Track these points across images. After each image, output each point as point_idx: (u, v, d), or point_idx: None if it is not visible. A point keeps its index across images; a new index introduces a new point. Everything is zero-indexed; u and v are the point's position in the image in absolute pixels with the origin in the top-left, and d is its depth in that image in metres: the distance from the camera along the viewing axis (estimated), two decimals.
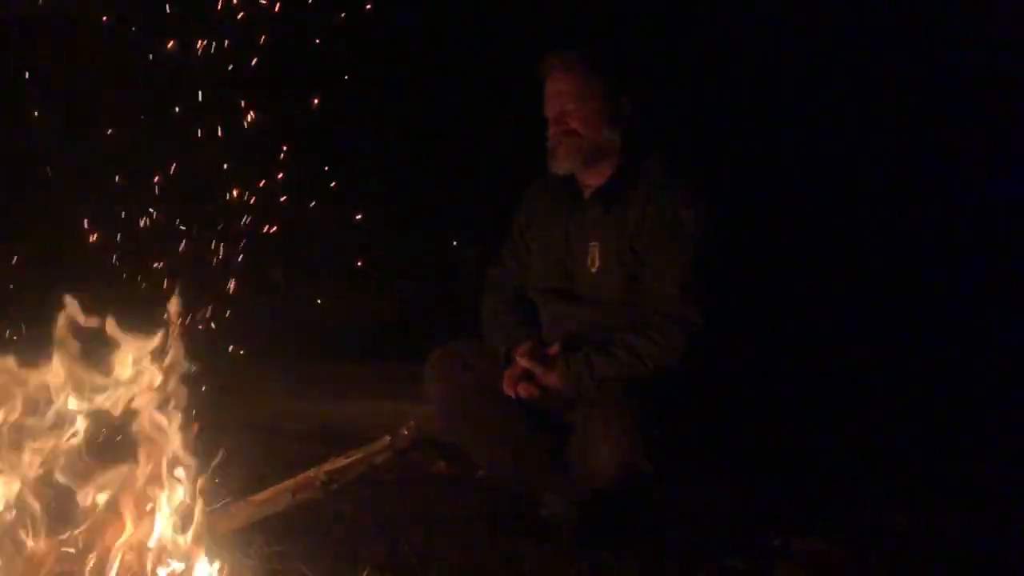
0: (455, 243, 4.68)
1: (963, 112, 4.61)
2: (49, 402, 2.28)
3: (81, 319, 2.23)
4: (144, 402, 2.30)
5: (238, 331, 4.12)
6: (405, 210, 4.82)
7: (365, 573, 2.67)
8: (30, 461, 2.26)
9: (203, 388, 2.44)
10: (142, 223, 4.13)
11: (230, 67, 4.31)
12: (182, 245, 4.08)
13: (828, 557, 2.97)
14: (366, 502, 3.16)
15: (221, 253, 4.27)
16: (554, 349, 3.18)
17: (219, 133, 4.41)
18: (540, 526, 3.10)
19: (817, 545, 3.02)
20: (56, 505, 2.30)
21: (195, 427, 2.46)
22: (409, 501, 3.30)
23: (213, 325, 3.96)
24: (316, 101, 4.65)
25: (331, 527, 2.99)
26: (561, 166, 3.26)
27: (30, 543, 2.26)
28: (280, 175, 4.67)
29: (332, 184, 4.79)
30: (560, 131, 3.21)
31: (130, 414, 2.31)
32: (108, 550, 2.28)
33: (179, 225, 4.18)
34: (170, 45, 3.97)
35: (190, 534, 2.31)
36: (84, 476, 2.28)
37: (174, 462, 2.33)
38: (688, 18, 4.64)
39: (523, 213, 3.45)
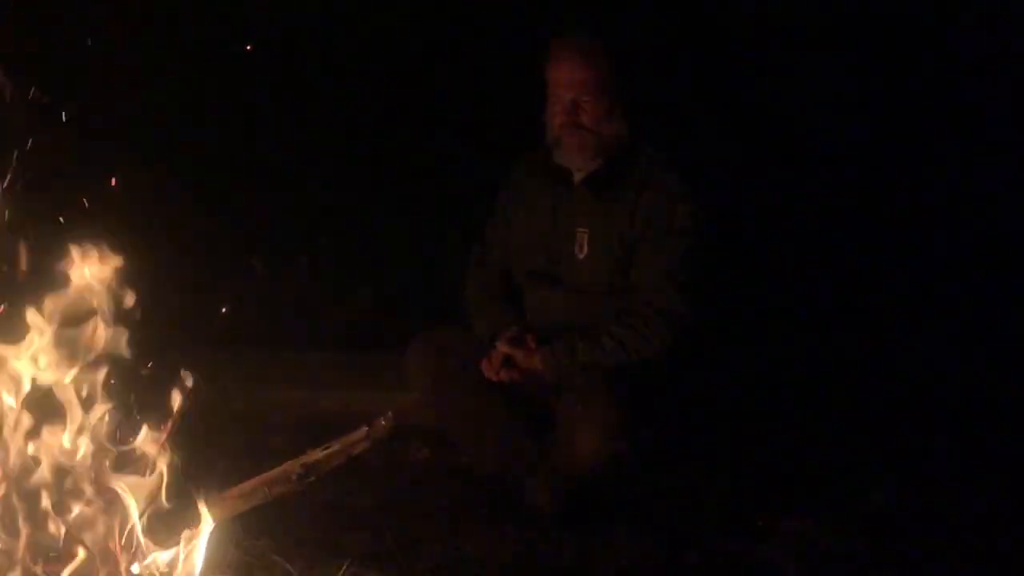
0: (436, 229, 4.63)
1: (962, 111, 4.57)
2: None
3: None
4: None
5: (214, 320, 4.07)
6: (384, 197, 4.77)
7: (348, 563, 2.64)
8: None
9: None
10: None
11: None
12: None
13: (813, 537, 2.96)
14: (349, 491, 3.14)
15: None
16: (531, 343, 3.15)
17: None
18: (523, 512, 3.08)
19: (801, 525, 3.02)
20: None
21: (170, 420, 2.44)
22: (393, 489, 3.28)
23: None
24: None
25: (314, 518, 2.95)
26: (571, 160, 3.21)
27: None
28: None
29: (311, 171, 4.75)
30: (570, 122, 3.16)
31: None
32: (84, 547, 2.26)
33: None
34: None
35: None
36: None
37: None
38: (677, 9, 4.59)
39: (507, 191, 3.40)
